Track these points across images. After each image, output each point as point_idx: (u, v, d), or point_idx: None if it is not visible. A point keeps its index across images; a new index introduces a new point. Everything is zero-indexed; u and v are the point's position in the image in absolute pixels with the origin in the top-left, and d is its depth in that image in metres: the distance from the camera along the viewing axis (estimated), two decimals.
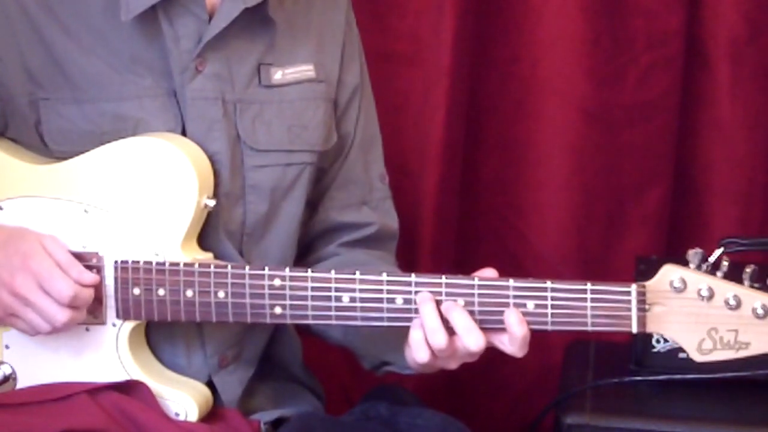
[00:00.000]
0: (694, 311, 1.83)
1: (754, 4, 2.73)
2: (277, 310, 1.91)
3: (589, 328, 1.85)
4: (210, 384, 2.04)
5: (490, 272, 1.90)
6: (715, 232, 2.78)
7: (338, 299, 1.90)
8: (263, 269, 1.91)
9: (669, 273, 1.84)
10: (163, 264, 1.93)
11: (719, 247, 1.86)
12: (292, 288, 1.90)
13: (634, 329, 1.84)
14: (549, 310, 1.85)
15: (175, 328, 2.00)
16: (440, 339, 1.86)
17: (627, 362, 2.45)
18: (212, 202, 1.96)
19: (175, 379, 2.01)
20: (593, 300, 1.84)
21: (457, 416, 2.04)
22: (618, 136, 2.80)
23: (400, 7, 2.76)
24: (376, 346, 2.05)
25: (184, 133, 1.98)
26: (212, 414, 2.02)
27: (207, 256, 1.97)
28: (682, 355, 1.89)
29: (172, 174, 1.93)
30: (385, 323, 1.90)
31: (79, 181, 1.96)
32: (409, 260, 2.38)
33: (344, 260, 2.12)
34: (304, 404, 2.16)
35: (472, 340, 1.86)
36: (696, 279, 1.83)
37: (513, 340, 1.86)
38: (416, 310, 1.88)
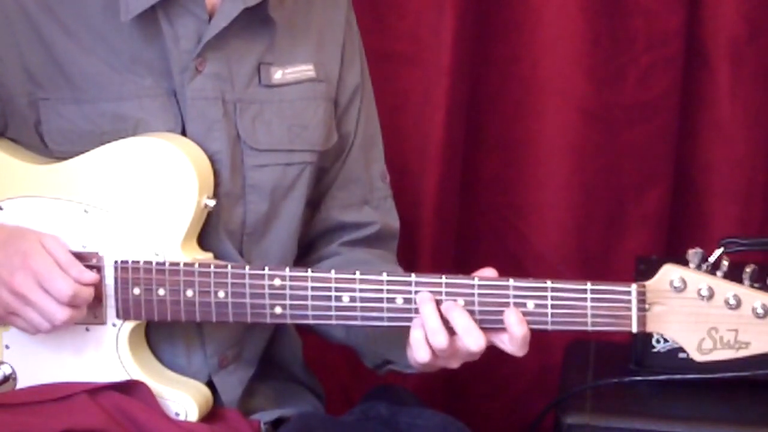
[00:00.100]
0: (694, 311, 1.83)
1: (754, 4, 2.73)
2: (278, 310, 1.91)
3: (589, 328, 1.85)
4: (210, 384, 2.04)
5: (490, 272, 1.89)
6: (715, 232, 2.78)
7: (338, 299, 1.89)
8: (263, 269, 1.91)
9: (669, 273, 1.83)
10: (163, 264, 1.92)
11: (719, 247, 1.86)
12: (292, 288, 1.90)
13: (634, 329, 1.84)
14: (549, 310, 1.85)
15: (175, 328, 2.00)
16: (441, 339, 1.86)
17: (627, 362, 2.45)
18: (212, 202, 1.96)
19: (175, 379, 2.00)
20: (593, 300, 1.84)
21: (457, 416, 2.04)
22: (618, 136, 2.80)
23: (400, 7, 2.75)
24: (378, 345, 2.05)
25: (184, 133, 1.98)
26: (212, 414, 2.02)
27: (207, 256, 1.97)
28: (682, 355, 1.89)
29: (172, 174, 1.93)
30: (385, 323, 1.89)
31: (79, 181, 1.96)
32: (409, 260, 2.38)
33: (345, 260, 2.12)
34: (304, 404, 2.16)
35: (472, 340, 1.86)
36: (696, 279, 1.82)
37: (513, 340, 1.86)
38: (416, 310, 1.88)
